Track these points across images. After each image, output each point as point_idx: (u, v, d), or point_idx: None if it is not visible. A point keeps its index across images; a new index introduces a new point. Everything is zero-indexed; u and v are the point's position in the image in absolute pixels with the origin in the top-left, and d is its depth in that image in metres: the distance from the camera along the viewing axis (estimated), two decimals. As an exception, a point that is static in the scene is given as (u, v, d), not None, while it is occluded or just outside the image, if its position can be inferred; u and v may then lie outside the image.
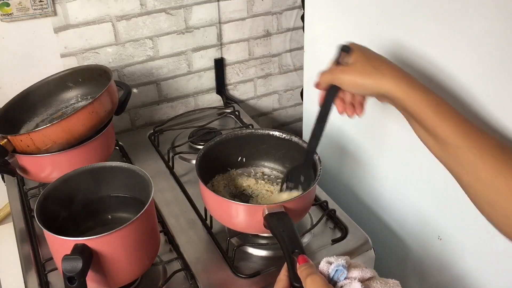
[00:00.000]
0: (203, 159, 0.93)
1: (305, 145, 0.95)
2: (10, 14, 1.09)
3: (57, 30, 1.17)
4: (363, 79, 0.70)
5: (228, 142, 1.00)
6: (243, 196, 0.99)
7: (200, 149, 0.97)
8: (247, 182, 1.01)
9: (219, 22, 1.36)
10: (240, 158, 1.04)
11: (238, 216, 0.85)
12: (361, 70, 0.70)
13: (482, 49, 0.74)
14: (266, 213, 0.80)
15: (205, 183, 0.88)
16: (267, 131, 1.00)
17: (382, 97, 0.71)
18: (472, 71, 0.76)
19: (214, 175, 1.02)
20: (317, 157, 0.90)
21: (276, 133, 0.99)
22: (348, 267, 0.65)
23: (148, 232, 0.81)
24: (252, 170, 1.05)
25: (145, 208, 0.77)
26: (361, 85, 0.70)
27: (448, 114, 0.65)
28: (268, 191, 1.00)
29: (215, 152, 0.98)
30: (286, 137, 0.98)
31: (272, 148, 1.02)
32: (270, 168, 1.05)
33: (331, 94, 0.75)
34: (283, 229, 0.76)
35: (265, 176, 1.04)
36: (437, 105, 0.66)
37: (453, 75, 0.80)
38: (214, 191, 0.98)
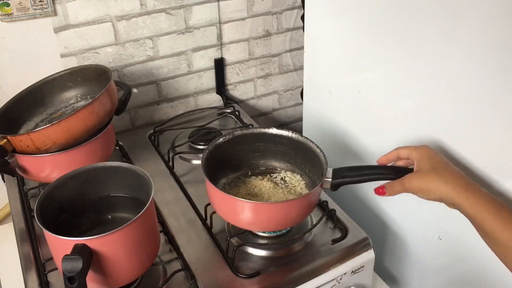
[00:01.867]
0: (210, 156, 0.92)
1: (305, 140, 0.95)
2: (10, 14, 1.09)
3: (57, 30, 1.17)
4: (428, 186, 0.74)
5: (231, 141, 0.99)
6: (251, 196, 0.99)
7: (200, 149, 0.97)
8: (253, 182, 1.01)
9: (219, 22, 1.36)
10: (246, 157, 1.03)
11: (244, 213, 0.86)
12: (426, 177, 0.75)
13: (482, 49, 0.74)
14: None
15: (213, 182, 0.88)
16: (276, 131, 1.00)
17: (447, 203, 0.74)
18: (472, 71, 0.76)
19: (222, 176, 1.01)
20: (322, 155, 0.90)
21: (284, 133, 0.99)
22: None
23: (148, 232, 0.81)
24: (260, 170, 1.04)
25: (145, 208, 0.77)
26: (426, 191, 0.75)
27: (509, 218, 0.67)
28: (274, 189, 0.99)
29: (220, 151, 0.97)
30: (294, 137, 0.98)
31: (272, 145, 1.02)
32: (277, 167, 1.04)
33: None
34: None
35: (273, 176, 1.03)
36: (496, 210, 0.68)
37: (452, 75, 0.80)
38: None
